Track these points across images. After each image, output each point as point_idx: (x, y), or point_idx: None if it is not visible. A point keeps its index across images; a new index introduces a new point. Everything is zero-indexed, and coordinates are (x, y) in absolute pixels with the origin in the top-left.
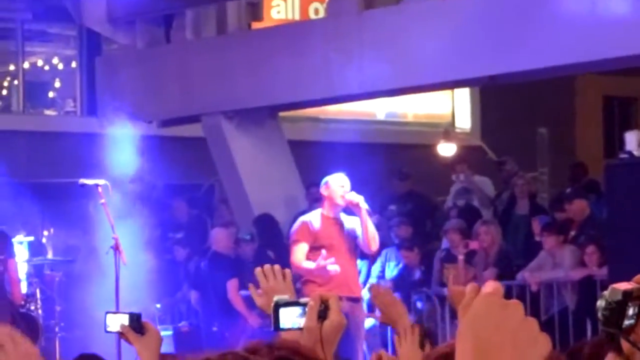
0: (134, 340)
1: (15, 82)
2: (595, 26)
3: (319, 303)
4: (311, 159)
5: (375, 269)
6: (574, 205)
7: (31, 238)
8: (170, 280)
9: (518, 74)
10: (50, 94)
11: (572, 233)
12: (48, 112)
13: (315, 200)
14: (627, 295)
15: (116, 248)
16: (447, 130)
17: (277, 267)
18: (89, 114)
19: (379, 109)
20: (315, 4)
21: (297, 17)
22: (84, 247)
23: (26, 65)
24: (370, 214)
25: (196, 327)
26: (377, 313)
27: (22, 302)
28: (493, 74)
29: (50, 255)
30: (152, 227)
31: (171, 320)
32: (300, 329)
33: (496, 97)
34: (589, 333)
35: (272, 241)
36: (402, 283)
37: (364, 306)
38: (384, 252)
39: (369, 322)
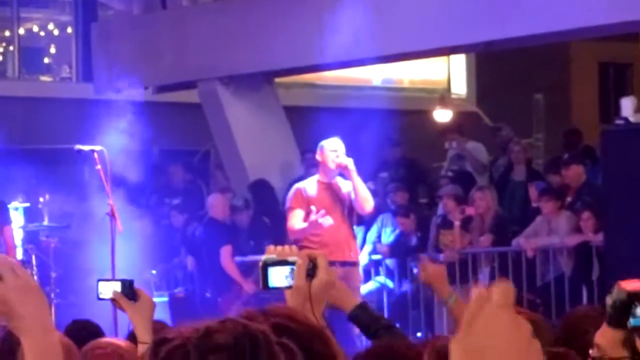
0: (127, 307)
1: (11, 47)
2: None
3: (307, 262)
4: (308, 125)
5: (372, 234)
6: (571, 170)
7: (27, 204)
8: (167, 246)
9: (514, 40)
10: (46, 60)
11: (568, 199)
12: (43, 78)
13: (311, 165)
14: (633, 296)
15: (112, 214)
16: (443, 96)
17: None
18: (84, 80)
19: (375, 75)
20: None
21: None
22: (79, 213)
23: (21, 31)
24: (364, 180)
25: (191, 293)
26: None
27: None
28: (489, 40)
29: (46, 222)
30: (148, 193)
31: (167, 287)
32: (289, 287)
33: (492, 63)
34: (584, 299)
35: (268, 207)
36: (398, 249)
37: (360, 271)
38: (380, 218)
39: (365, 288)
